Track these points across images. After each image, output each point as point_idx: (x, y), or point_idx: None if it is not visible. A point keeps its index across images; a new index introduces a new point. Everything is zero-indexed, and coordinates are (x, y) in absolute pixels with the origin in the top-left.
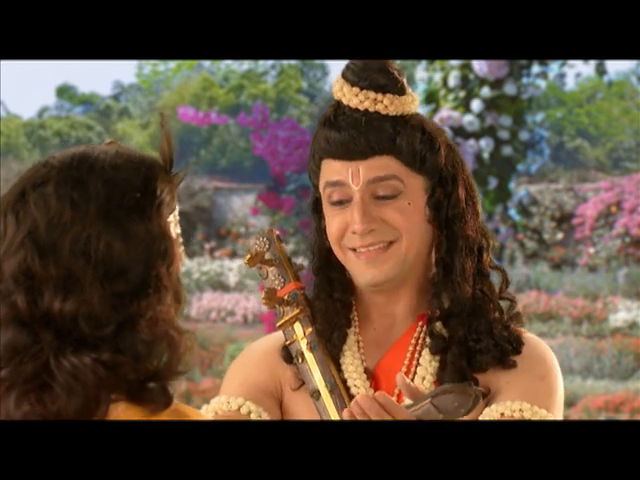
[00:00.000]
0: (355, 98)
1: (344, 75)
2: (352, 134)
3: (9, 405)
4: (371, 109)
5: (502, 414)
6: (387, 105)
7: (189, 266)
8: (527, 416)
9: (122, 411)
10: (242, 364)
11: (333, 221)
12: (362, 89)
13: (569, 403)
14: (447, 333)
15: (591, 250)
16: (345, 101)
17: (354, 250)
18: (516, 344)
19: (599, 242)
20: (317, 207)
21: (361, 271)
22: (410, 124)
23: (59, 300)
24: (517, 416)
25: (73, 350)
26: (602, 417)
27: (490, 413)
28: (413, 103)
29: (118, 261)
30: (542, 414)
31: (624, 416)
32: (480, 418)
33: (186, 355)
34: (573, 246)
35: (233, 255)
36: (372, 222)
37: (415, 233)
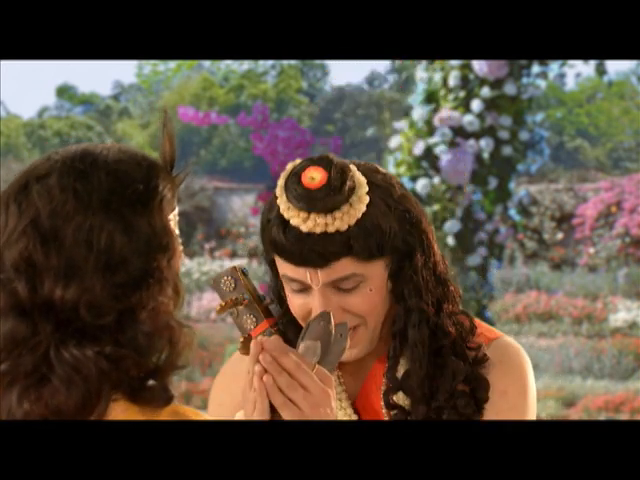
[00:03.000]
0: (304, 224)
1: (289, 198)
2: (303, 250)
3: (11, 402)
4: (322, 231)
5: None
6: (340, 224)
7: (189, 266)
8: None
9: (122, 411)
10: (228, 388)
11: (295, 301)
12: (310, 213)
13: (569, 403)
14: (406, 400)
15: (591, 250)
16: (294, 223)
17: None
18: (480, 402)
19: (599, 242)
20: (273, 266)
21: None
22: (361, 222)
23: (60, 288)
24: None
25: (75, 342)
26: (602, 417)
27: None
28: (363, 202)
29: (120, 252)
30: None
31: (624, 416)
32: None
33: (185, 351)
34: (573, 246)
35: (233, 255)
36: (336, 317)
37: (379, 313)
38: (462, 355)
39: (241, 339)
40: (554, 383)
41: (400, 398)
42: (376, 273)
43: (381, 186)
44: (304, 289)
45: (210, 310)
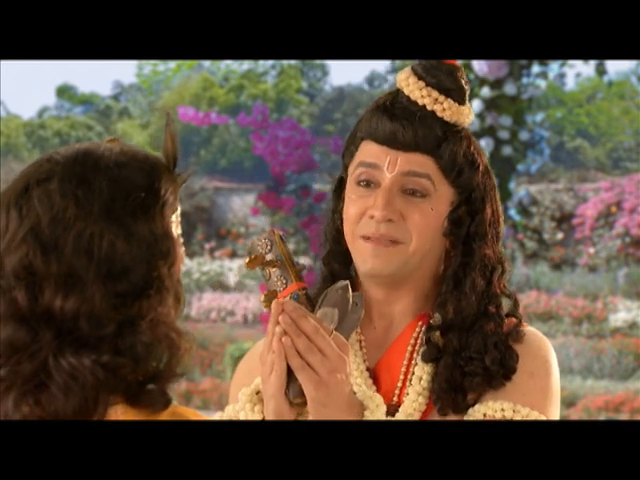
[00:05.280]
0: (418, 91)
1: (414, 67)
2: (403, 124)
3: (8, 406)
4: (429, 107)
5: (485, 415)
6: (445, 108)
7: (189, 266)
8: (508, 415)
9: (121, 414)
10: (248, 370)
11: (354, 203)
12: (427, 85)
13: (569, 403)
14: (442, 343)
15: (591, 250)
16: (407, 91)
17: (364, 237)
18: (506, 370)
19: (599, 242)
20: (339, 188)
21: (364, 258)
22: (459, 135)
23: (60, 298)
24: (498, 416)
25: (73, 351)
26: (602, 417)
27: (473, 414)
28: (468, 117)
29: (121, 260)
30: (524, 413)
31: (624, 416)
32: (464, 419)
33: (185, 357)
34: (573, 246)
35: (233, 255)
36: (392, 213)
37: (426, 239)
38: (500, 325)
39: (265, 292)
40: None
41: (436, 336)
42: (443, 197)
43: (478, 146)
44: (371, 183)
45: (210, 310)
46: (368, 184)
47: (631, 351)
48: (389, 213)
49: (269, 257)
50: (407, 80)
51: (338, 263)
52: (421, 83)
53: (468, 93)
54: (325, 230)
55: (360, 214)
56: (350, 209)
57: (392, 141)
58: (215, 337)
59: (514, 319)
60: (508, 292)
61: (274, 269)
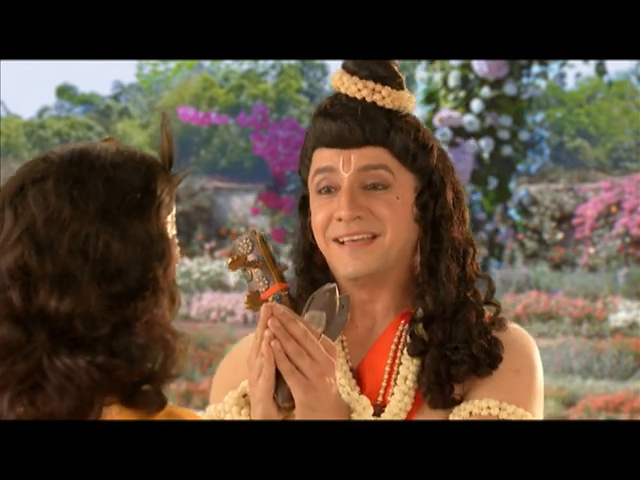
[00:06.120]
0: (354, 86)
1: (344, 65)
2: (348, 121)
3: (3, 406)
4: (368, 99)
5: (471, 413)
6: (385, 96)
7: (189, 266)
8: (494, 414)
9: (116, 414)
10: (233, 369)
11: (319, 210)
12: (361, 78)
13: (569, 403)
14: (427, 336)
15: (591, 250)
16: (343, 90)
17: (337, 241)
18: (492, 359)
19: (599, 242)
20: (303, 205)
21: (344, 262)
22: (405, 120)
23: (55, 299)
24: (485, 414)
25: (67, 352)
26: (602, 417)
27: (459, 412)
28: (410, 100)
29: (116, 261)
30: (510, 410)
31: (624, 416)
32: (450, 417)
33: (180, 358)
34: (573, 246)
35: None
36: (358, 210)
37: (400, 228)
38: (481, 315)
39: (248, 293)
40: (554, 383)
41: (420, 329)
42: (405, 185)
43: (427, 130)
44: (332, 188)
45: (210, 310)
46: (329, 190)
47: (631, 351)
48: (355, 211)
49: (251, 258)
50: (341, 79)
51: (320, 272)
52: (355, 78)
53: (403, 79)
54: (297, 247)
55: (327, 219)
56: (317, 217)
57: (341, 141)
58: (215, 337)
59: (493, 306)
60: (482, 274)
61: (256, 270)
